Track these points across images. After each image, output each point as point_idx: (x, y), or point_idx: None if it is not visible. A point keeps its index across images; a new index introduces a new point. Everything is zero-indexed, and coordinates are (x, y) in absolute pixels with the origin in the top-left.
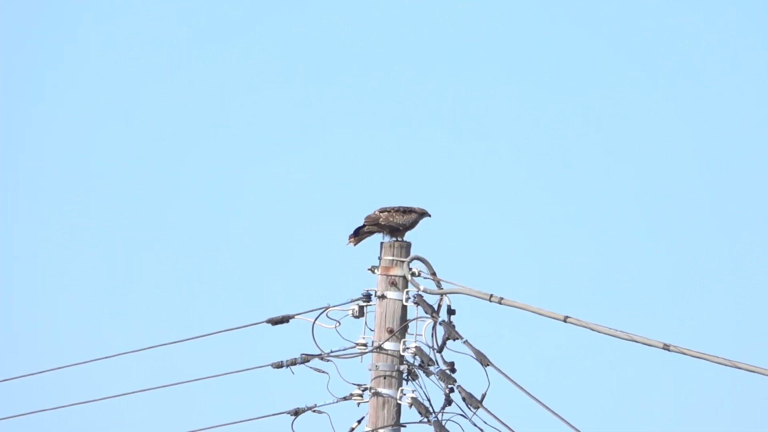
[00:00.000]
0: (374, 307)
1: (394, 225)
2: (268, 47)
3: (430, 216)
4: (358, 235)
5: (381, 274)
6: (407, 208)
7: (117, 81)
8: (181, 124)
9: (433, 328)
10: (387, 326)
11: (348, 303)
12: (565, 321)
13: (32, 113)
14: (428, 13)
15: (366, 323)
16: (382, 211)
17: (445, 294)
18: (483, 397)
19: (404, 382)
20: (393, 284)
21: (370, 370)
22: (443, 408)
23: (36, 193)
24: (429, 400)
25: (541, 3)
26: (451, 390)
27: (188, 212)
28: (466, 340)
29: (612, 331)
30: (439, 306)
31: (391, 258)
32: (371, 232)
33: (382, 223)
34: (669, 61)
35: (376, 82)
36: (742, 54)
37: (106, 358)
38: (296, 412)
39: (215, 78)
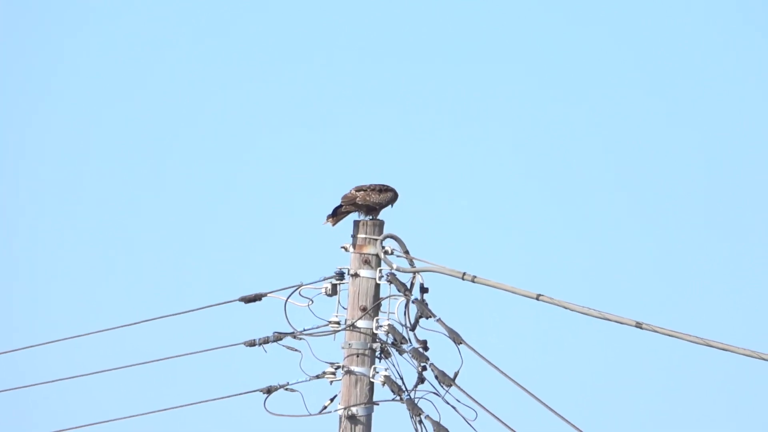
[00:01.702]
0: (347, 285)
1: (371, 204)
2: (257, 36)
3: (398, 196)
4: (336, 215)
5: (354, 253)
6: (383, 186)
7: (107, 72)
8: (158, 109)
9: (406, 306)
10: (360, 304)
11: (321, 281)
12: (537, 299)
13: (26, 106)
14: (414, 3)
15: (339, 301)
16: (358, 189)
17: (418, 272)
18: (456, 375)
19: (377, 360)
20: (366, 262)
21: (342, 348)
22: (416, 386)
23: (12, 184)
24: (402, 378)
25: None
26: (424, 368)
27: (162, 193)
28: (439, 318)
29: (585, 309)
30: (412, 284)
31: (364, 236)
32: (348, 212)
33: (359, 202)
34: (669, 55)
35: (352, 65)
36: (744, 51)
37: (78, 336)
38: (269, 390)
39: (195, 64)
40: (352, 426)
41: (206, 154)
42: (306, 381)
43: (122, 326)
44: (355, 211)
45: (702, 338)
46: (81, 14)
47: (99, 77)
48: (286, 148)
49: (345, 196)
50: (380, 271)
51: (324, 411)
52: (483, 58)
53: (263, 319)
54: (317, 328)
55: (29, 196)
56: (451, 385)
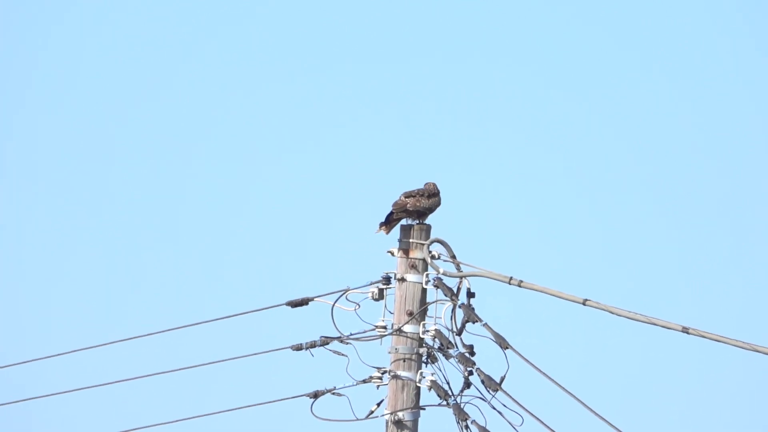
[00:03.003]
0: (394, 289)
1: (422, 209)
2: (273, 37)
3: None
4: (389, 222)
5: (401, 257)
6: (431, 191)
7: (114, 73)
8: (203, 106)
9: (453, 310)
10: (406, 309)
11: (368, 285)
12: (584, 304)
13: (35, 109)
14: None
15: (385, 306)
16: (407, 196)
17: (465, 277)
18: (502, 380)
19: (423, 365)
20: (413, 267)
21: (389, 352)
22: (462, 391)
23: (60, 182)
24: (448, 383)
25: None
26: (470, 373)
27: (210, 195)
28: (486, 323)
29: (631, 314)
30: (459, 289)
31: (411, 241)
32: (400, 219)
33: (410, 209)
34: (687, 42)
35: (393, 66)
36: (762, 38)
37: (124, 340)
38: (315, 395)
39: (241, 59)
40: (399, 431)
41: (255, 157)
42: (353, 385)
43: (170, 329)
44: (407, 217)
45: (749, 343)
46: (96, 14)
47: (114, 83)
48: (334, 152)
49: (395, 204)
50: (427, 275)
51: (371, 416)
52: (526, 64)
53: (310, 323)
54: (364, 332)
55: (66, 203)
56: (497, 390)
